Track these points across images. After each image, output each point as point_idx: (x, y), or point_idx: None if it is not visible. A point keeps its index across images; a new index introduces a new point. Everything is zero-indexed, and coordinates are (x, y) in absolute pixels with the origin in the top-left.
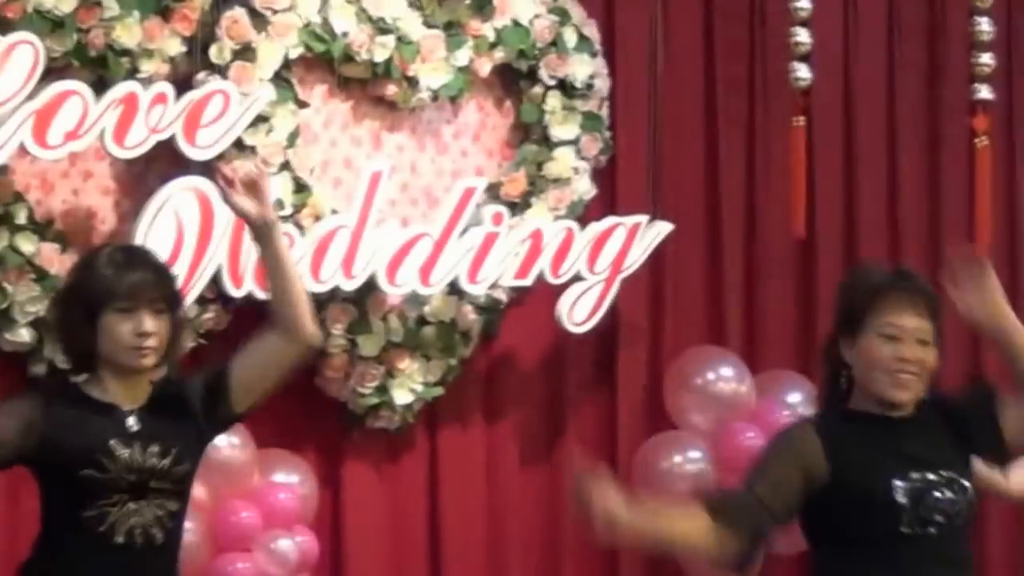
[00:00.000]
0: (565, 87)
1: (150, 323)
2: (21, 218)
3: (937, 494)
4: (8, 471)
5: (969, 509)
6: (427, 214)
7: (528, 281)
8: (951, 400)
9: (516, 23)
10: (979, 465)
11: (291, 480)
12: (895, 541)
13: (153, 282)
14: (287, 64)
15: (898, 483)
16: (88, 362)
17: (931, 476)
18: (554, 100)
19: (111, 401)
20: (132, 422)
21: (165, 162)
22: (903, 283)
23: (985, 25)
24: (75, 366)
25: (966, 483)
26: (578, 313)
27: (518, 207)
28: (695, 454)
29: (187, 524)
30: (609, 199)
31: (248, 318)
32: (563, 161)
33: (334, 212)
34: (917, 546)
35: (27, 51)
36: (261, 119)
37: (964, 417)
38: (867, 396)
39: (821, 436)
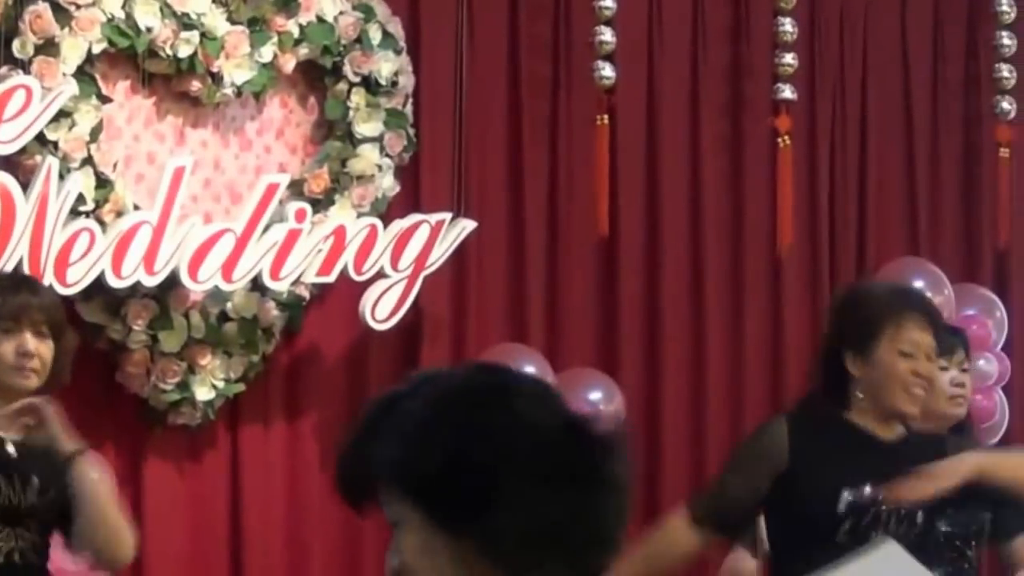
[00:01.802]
0: (369, 84)
1: (32, 343)
2: None
3: (883, 513)
4: None
5: (920, 543)
6: (230, 210)
7: (331, 278)
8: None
9: (320, 20)
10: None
11: None
12: (830, 550)
13: (37, 305)
14: (90, 59)
15: (846, 495)
16: None
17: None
18: (358, 97)
19: None
20: (11, 450)
21: None
22: (916, 301)
23: (788, 25)
24: None
25: (919, 518)
26: (381, 310)
27: (321, 204)
28: None
29: None
30: (413, 196)
31: None
32: (367, 158)
33: (136, 208)
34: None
35: None
36: (64, 114)
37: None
38: (872, 408)
39: (791, 434)
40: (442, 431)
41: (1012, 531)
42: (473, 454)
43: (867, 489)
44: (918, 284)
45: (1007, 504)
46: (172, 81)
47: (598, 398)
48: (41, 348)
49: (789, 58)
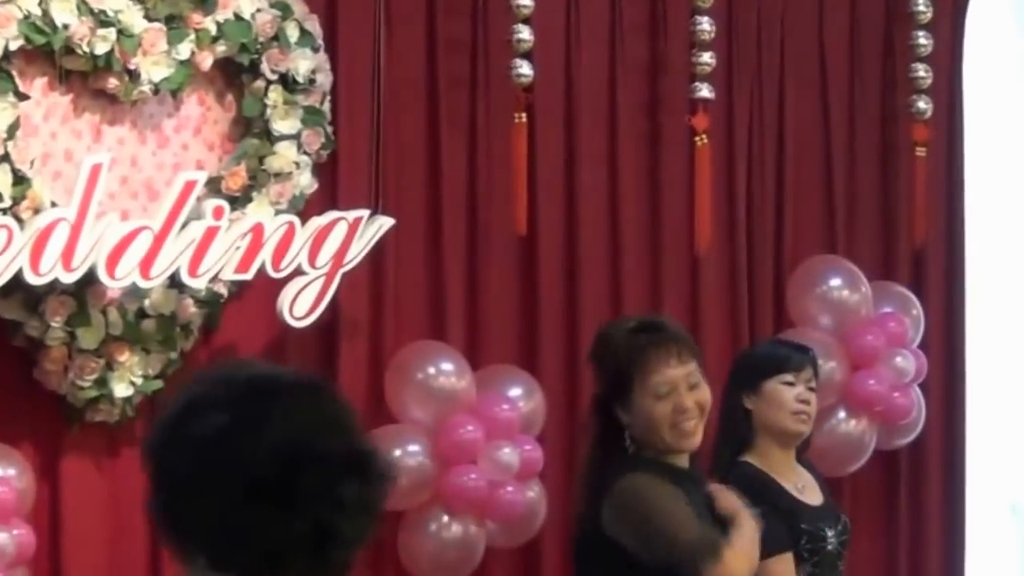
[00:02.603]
0: (287, 81)
1: None
2: None
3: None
4: None
5: None
6: (148, 207)
7: (249, 275)
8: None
9: (238, 17)
10: None
11: (8, 474)
12: None
13: None
14: (7, 56)
15: None
16: None
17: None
18: (276, 94)
19: None
20: None
21: None
22: (656, 337)
23: (706, 24)
24: None
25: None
26: (299, 307)
27: (239, 201)
28: (414, 447)
29: None
30: (331, 194)
31: None
32: (284, 155)
33: (54, 205)
34: None
35: None
36: None
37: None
38: (652, 449)
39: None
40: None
41: None
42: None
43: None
44: (835, 282)
45: None
46: (89, 78)
47: (518, 395)
48: None
49: (707, 57)
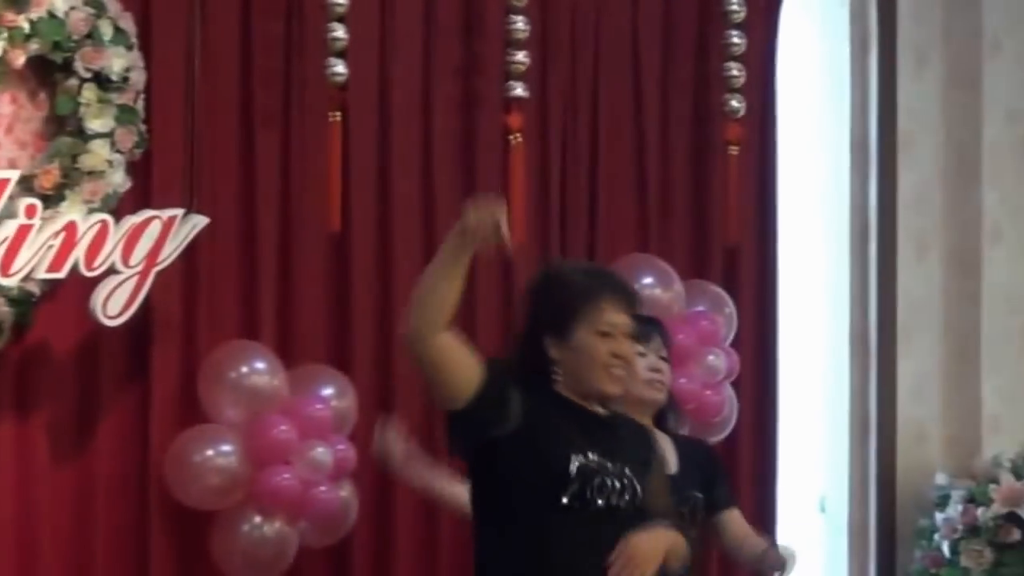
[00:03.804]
0: (100, 80)
1: None
2: None
3: (608, 480)
4: None
5: (635, 511)
6: None
7: (62, 274)
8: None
9: (52, 15)
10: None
11: None
12: (554, 511)
13: None
14: None
15: (575, 457)
16: None
17: (608, 464)
18: (89, 92)
19: None
20: None
21: None
22: (612, 281)
23: (520, 23)
24: None
25: (638, 487)
26: (112, 306)
27: (52, 199)
28: (227, 447)
29: None
30: (144, 192)
31: None
32: (98, 154)
33: None
34: (573, 521)
35: None
36: None
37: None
38: (574, 389)
39: (522, 389)
40: None
41: (720, 507)
42: None
43: (592, 455)
44: (648, 280)
45: (714, 484)
46: None
47: (330, 394)
48: None
49: (521, 56)
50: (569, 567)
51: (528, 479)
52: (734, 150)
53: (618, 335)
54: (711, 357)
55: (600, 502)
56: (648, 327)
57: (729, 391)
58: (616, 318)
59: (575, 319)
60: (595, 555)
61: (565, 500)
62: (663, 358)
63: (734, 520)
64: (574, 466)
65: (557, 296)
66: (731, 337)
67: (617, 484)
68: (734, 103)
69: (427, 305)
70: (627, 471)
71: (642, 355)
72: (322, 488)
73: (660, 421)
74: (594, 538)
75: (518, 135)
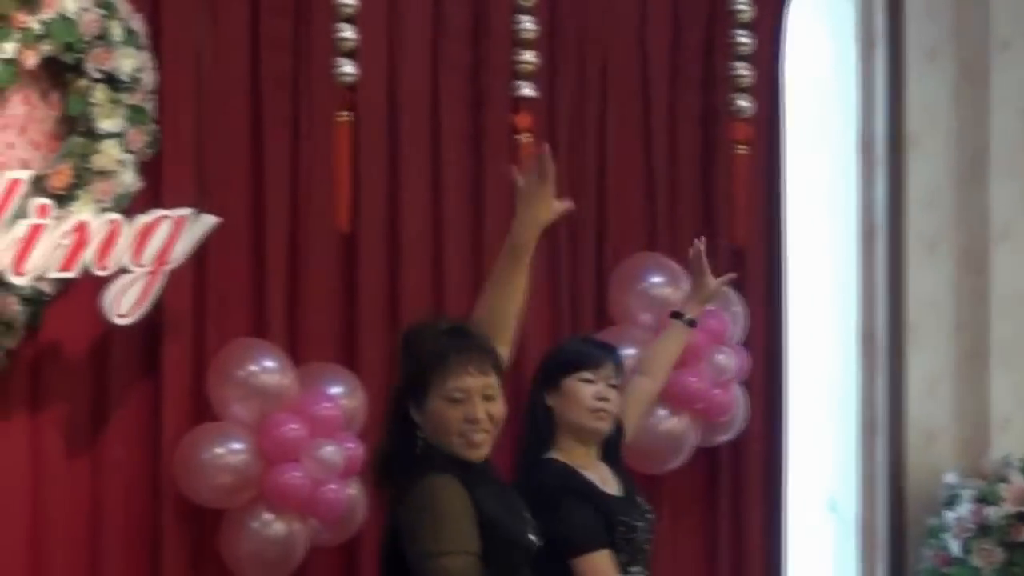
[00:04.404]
0: (111, 80)
1: None
2: None
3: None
4: None
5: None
6: None
7: (74, 273)
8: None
9: (63, 16)
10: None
11: None
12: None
13: None
14: None
15: (529, 526)
16: None
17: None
18: (100, 93)
19: None
20: None
21: None
22: (461, 343)
23: (528, 24)
24: None
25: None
26: (123, 305)
27: (64, 199)
28: (237, 445)
29: None
30: (155, 192)
31: None
32: (109, 154)
33: None
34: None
35: None
36: None
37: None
38: (444, 454)
39: (465, 485)
40: None
41: None
42: None
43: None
44: (657, 279)
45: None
46: None
47: (340, 392)
48: None
49: (529, 55)
50: None
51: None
52: (741, 149)
53: (473, 399)
54: (720, 356)
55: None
56: (599, 354)
57: (738, 390)
58: (467, 382)
59: (427, 388)
60: None
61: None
62: (612, 386)
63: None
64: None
65: (411, 362)
66: (740, 336)
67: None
68: (741, 102)
69: None
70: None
71: (589, 382)
72: (332, 486)
73: (607, 449)
74: None
75: (526, 134)
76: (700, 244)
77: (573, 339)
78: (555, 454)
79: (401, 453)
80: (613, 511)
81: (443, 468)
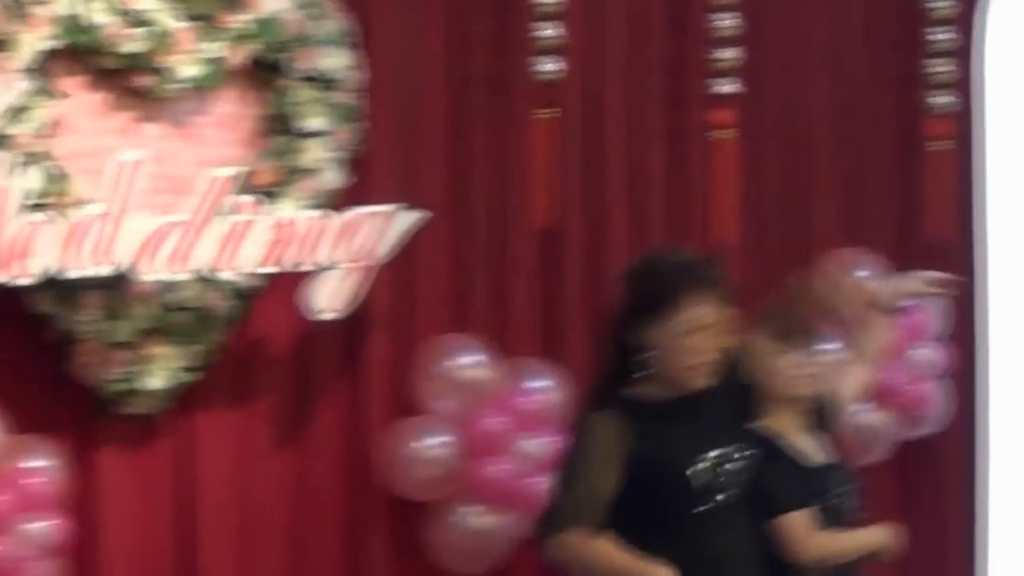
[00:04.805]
0: (316, 79)
1: None
2: None
3: (729, 467)
4: None
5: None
6: (180, 203)
7: (279, 268)
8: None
9: (268, 16)
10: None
11: (43, 465)
12: (689, 519)
13: None
14: (44, 55)
15: (697, 464)
16: None
17: (723, 451)
18: (305, 91)
19: None
20: None
21: None
22: (709, 273)
23: (727, 20)
24: None
25: (749, 452)
26: (328, 300)
27: (269, 196)
28: (441, 439)
29: None
30: (360, 189)
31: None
32: (313, 152)
33: (89, 201)
34: (708, 519)
35: None
36: (18, 109)
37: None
38: (663, 379)
39: (621, 423)
40: None
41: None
42: None
43: (710, 453)
44: (863, 274)
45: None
46: (123, 76)
47: (543, 386)
48: None
49: (728, 52)
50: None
51: (661, 498)
52: (940, 145)
53: (713, 328)
54: (921, 351)
55: (730, 489)
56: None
57: (939, 386)
58: (710, 311)
59: (664, 312)
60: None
61: (700, 507)
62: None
63: None
64: (696, 474)
65: (650, 285)
66: (944, 332)
67: (739, 464)
68: (939, 99)
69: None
70: (737, 446)
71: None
72: (535, 479)
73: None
74: (732, 520)
75: (723, 131)
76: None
77: None
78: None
79: (610, 371)
80: (812, 479)
81: (617, 408)
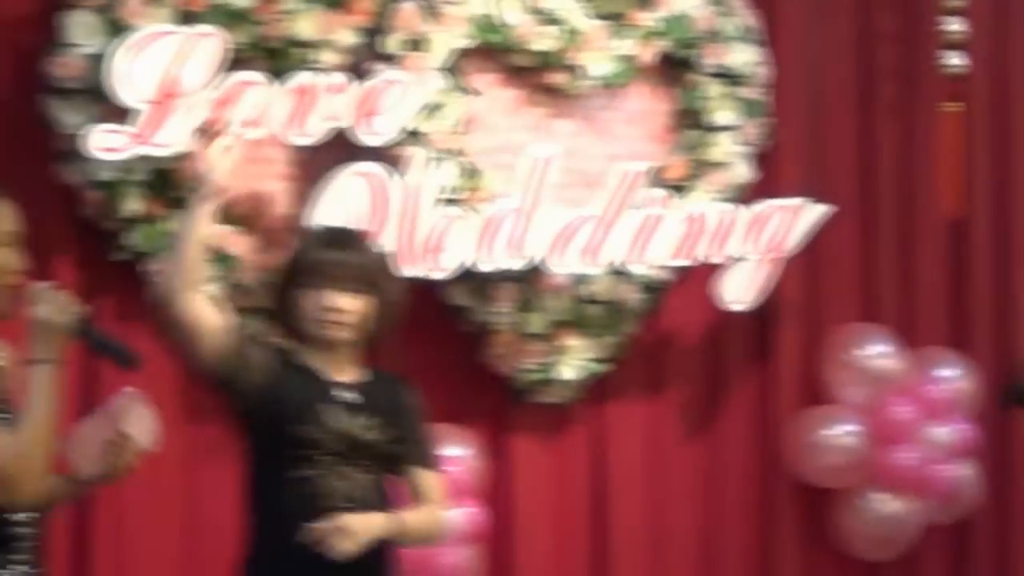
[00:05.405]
0: (725, 75)
1: (336, 299)
2: None
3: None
4: None
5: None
6: (592, 197)
7: (689, 261)
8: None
9: (678, 13)
10: None
11: (460, 454)
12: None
13: (342, 262)
14: (457, 54)
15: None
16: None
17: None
18: (714, 87)
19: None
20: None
21: (339, 149)
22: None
23: None
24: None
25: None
26: (738, 292)
27: (680, 190)
28: (850, 427)
29: None
30: (769, 182)
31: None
32: (723, 146)
33: (502, 195)
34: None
35: (212, 43)
36: (433, 107)
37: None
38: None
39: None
40: None
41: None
42: None
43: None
44: None
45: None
46: (535, 74)
47: (949, 375)
48: (347, 303)
49: None
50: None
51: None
52: None
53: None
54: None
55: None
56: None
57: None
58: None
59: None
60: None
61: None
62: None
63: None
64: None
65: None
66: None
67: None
68: None
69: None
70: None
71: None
72: (942, 467)
73: None
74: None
75: None
76: None
77: None
78: None
79: None
80: None
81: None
